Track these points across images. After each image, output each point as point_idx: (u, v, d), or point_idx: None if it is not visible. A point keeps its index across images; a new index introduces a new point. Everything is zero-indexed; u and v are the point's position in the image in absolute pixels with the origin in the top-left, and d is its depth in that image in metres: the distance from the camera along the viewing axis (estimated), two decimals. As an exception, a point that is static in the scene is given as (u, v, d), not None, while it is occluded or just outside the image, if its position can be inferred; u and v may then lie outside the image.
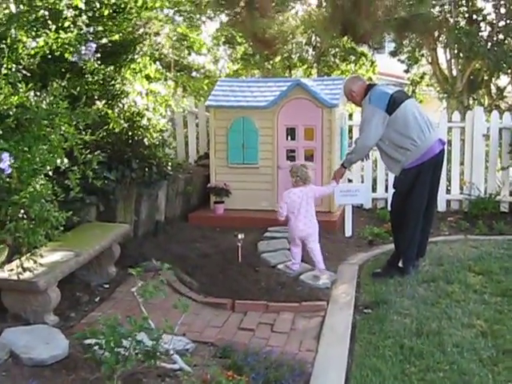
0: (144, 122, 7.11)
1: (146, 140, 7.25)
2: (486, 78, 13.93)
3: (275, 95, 8.14)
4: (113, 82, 6.47)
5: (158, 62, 7.60)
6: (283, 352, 4.62)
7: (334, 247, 7.23)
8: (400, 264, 6.20)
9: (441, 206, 9.12)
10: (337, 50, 14.28)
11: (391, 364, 4.31)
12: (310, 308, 5.50)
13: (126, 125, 6.49)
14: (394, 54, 14.40)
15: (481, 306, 5.35)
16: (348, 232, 7.70)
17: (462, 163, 9.35)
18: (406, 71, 14.73)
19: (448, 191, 9.29)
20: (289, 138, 8.25)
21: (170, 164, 7.81)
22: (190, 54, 16.64)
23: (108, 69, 6.22)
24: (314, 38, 14.52)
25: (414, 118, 5.93)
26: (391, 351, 4.50)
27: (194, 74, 16.07)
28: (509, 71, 13.13)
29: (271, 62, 15.17)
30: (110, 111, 6.05)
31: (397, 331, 4.84)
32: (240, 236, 6.52)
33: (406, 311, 5.25)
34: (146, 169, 7.29)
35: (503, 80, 14.55)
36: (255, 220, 7.81)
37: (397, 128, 5.90)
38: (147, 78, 7.13)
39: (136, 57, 6.79)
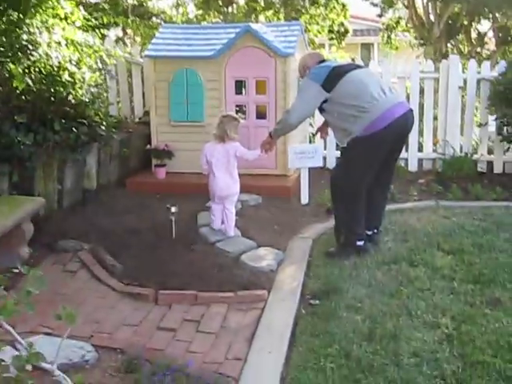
0: (66, 76, 6.12)
1: (71, 97, 6.27)
2: (465, 22, 12.90)
3: (223, 44, 7.12)
4: (18, 32, 5.45)
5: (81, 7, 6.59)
6: (206, 361, 3.76)
7: (286, 218, 6.36)
8: (342, 239, 5.47)
9: (412, 166, 8.28)
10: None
11: (331, 382, 3.44)
12: (247, 299, 4.61)
13: (37, 82, 5.51)
14: (366, -4, 13.29)
15: (448, 296, 4.47)
16: (304, 199, 6.81)
17: (435, 118, 8.44)
18: (380, 15, 13.63)
19: (420, 149, 8.39)
20: (238, 91, 7.27)
21: (104, 123, 6.84)
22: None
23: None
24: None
25: (362, 84, 5.10)
26: (334, 363, 3.62)
27: (154, 19, 15.11)
28: (490, 15, 12.11)
29: (235, 5, 14.15)
30: (12, 66, 5.06)
31: (345, 333, 3.96)
32: (173, 209, 5.63)
33: (359, 304, 4.37)
34: (74, 130, 6.32)
35: (484, 25, 13.52)
36: (200, 186, 6.83)
37: (343, 99, 5.09)
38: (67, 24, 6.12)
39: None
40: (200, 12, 14.29)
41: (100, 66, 6.91)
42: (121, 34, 14.38)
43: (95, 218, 6.20)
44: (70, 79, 6.19)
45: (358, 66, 5.45)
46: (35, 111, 5.95)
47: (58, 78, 6.06)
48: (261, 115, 7.14)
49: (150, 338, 4.09)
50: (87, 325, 4.15)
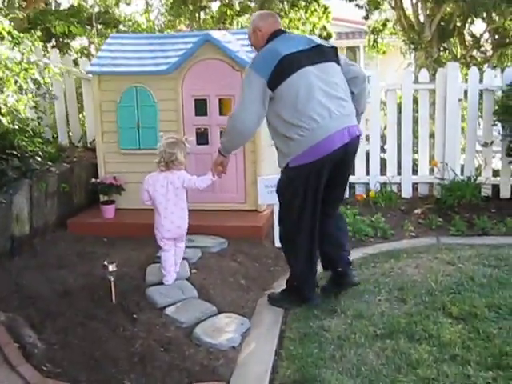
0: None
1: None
2: (458, 24, 11.78)
3: (179, 56, 5.98)
4: None
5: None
6: None
7: (256, 268, 5.25)
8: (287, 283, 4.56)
9: (405, 192, 7.14)
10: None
11: None
12: (197, 397, 3.49)
13: None
14: (350, -3, 12.15)
15: (463, 393, 3.35)
16: (278, 242, 5.64)
17: (431, 136, 7.32)
18: (366, 18, 12.51)
19: (415, 172, 7.27)
20: (199, 112, 6.12)
21: (40, 154, 5.73)
22: (117, 4, 14.48)
23: None
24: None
25: (307, 93, 4.00)
26: None
27: (121, 27, 13.96)
28: (485, 15, 10.99)
29: (207, 11, 13.02)
30: None
31: None
32: (111, 268, 4.48)
33: (344, 409, 3.23)
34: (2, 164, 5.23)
35: (478, 26, 12.40)
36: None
37: (281, 108, 4.04)
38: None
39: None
40: (169, 18, 13.12)
41: (32, 86, 5.74)
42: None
43: (22, 274, 5.06)
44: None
45: (318, 55, 4.16)
46: None
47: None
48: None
49: None
50: None
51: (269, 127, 4.26)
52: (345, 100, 4.14)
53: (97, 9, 14.05)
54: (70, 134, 7.66)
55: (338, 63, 4.26)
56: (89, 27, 13.31)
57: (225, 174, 4.65)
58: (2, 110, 5.31)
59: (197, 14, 13.07)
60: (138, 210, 6.14)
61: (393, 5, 12.21)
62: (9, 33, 5.70)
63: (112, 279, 4.49)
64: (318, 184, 4.13)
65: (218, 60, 5.90)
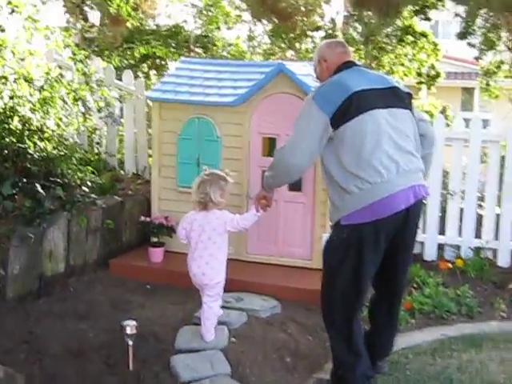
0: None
1: (31, 149, 4.65)
2: None
3: (250, 87, 5.31)
4: None
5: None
6: None
7: (308, 341, 4.42)
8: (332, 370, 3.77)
9: (503, 260, 6.14)
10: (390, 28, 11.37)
11: None
12: None
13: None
14: (462, 35, 11.18)
15: None
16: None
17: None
18: (478, 58, 11.48)
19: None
20: (266, 152, 5.41)
21: (88, 184, 5.20)
22: (218, 27, 14.06)
23: None
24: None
25: (375, 140, 3.32)
26: None
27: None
28: None
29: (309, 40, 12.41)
30: None
31: None
32: (129, 330, 3.82)
33: None
34: (40, 192, 4.74)
35: None
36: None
37: (340, 151, 3.36)
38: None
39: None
40: (269, 46, 12.56)
41: (82, 108, 5.21)
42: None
43: (40, 320, 4.50)
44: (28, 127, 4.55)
45: (393, 98, 3.48)
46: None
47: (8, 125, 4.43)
48: (294, 186, 5.24)
49: None
50: None
51: (323, 171, 3.56)
52: (414, 156, 3.42)
53: (197, 31, 13.73)
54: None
55: (413, 113, 3.51)
56: (186, 50, 13.02)
57: (269, 207, 4.04)
58: (46, 134, 4.79)
59: (297, 44, 12.48)
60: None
61: (510, 46, 11.16)
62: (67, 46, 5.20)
63: (130, 343, 3.82)
64: (373, 253, 3.39)
65: (291, 95, 5.19)
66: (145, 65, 12.79)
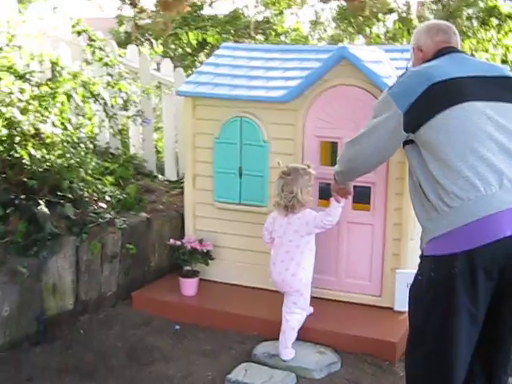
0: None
1: (27, 159, 3.71)
2: None
3: (303, 78, 4.21)
4: None
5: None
6: None
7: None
8: None
9: None
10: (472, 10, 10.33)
11: None
12: None
13: None
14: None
15: None
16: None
17: None
18: None
19: None
20: (325, 160, 4.30)
21: (107, 197, 4.25)
22: (281, 12, 13.04)
23: None
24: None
25: (468, 143, 2.45)
26: None
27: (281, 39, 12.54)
28: None
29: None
30: None
31: None
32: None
33: None
34: (42, 211, 3.82)
35: None
36: (253, 318, 4.11)
37: (426, 156, 2.54)
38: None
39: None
40: (336, 32, 11.46)
41: (94, 106, 4.22)
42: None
43: (32, 380, 3.53)
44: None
45: (501, 89, 2.59)
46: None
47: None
48: (360, 199, 4.13)
49: None
50: None
51: (409, 180, 2.75)
52: None
53: (259, 17, 12.78)
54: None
55: None
56: (246, 36, 12.09)
57: (350, 194, 3.63)
58: (48, 140, 3.82)
59: (367, 29, 11.39)
60: (232, 285, 4.50)
61: None
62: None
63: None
64: (469, 300, 2.38)
65: (356, 87, 4.06)
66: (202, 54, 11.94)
